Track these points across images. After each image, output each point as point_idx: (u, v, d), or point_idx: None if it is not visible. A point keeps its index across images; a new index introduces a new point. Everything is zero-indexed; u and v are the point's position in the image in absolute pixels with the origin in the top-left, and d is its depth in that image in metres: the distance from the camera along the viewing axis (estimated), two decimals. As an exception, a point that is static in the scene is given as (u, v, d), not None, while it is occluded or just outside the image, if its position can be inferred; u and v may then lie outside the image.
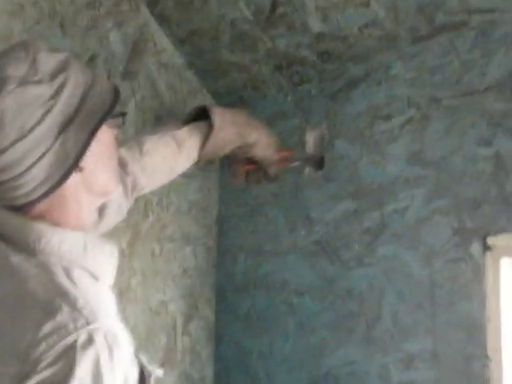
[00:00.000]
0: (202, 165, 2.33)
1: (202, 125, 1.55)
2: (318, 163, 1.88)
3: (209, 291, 2.28)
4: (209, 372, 2.26)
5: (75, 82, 0.98)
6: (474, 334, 1.42)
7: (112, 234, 2.09)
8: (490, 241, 1.41)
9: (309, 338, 1.87)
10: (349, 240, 1.77)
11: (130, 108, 2.17)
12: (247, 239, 2.15)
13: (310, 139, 1.88)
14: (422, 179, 1.58)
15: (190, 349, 2.23)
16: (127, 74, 2.16)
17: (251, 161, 1.73)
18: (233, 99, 2.24)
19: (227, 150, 1.59)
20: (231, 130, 1.55)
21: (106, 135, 1.05)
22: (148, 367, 1.11)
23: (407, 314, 1.59)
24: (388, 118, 1.68)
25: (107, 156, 1.08)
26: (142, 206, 2.18)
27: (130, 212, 2.14)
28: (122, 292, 2.09)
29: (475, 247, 1.44)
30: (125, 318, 2.07)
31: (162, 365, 2.16)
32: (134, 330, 2.10)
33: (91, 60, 2.04)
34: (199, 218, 2.29)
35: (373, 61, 1.73)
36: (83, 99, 0.99)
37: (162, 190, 2.22)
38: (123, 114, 1.13)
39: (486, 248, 1.42)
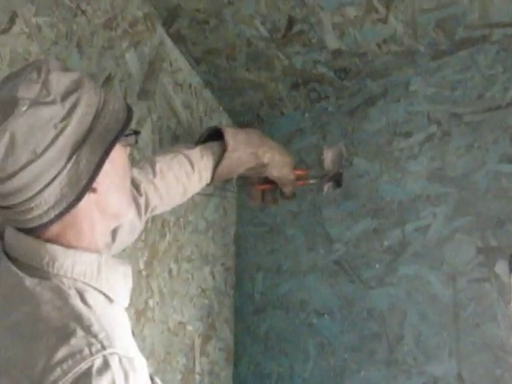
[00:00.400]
0: (220, 184, 2.32)
1: (215, 145, 1.54)
2: (337, 181, 1.85)
3: (227, 312, 2.26)
4: (229, 395, 2.22)
5: (88, 101, 0.97)
6: (502, 357, 1.37)
7: (130, 255, 2.08)
8: (516, 260, 1.37)
9: (329, 360, 1.83)
10: (369, 259, 1.73)
11: (147, 128, 2.16)
12: (265, 259, 2.12)
13: (328, 157, 1.86)
14: (444, 197, 1.54)
15: (209, 370, 2.20)
16: (143, 94, 2.16)
17: (267, 180, 1.71)
18: (249, 118, 2.22)
19: (241, 170, 1.58)
20: (245, 150, 1.54)
21: (119, 154, 1.04)
22: None
23: (430, 336, 1.54)
24: (408, 134, 1.65)
25: (120, 176, 1.07)
26: (160, 225, 2.16)
27: (148, 232, 2.14)
28: (140, 312, 2.07)
29: (500, 266, 1.40)
30: (142, 338, 2.06)
31: (181, 387, 2.13)
32: (152, 351, 2.09)
33: (108, 80, 2.05)
34: (217, 237, 2.27)
35: (391, 77, 1.70)
36: (96, 118, 0.98)
37: (180, 209, 2.21)
38: (137, 133, 1.11)
39: (512, 267, 1.38)
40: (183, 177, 1.51)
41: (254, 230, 2.19)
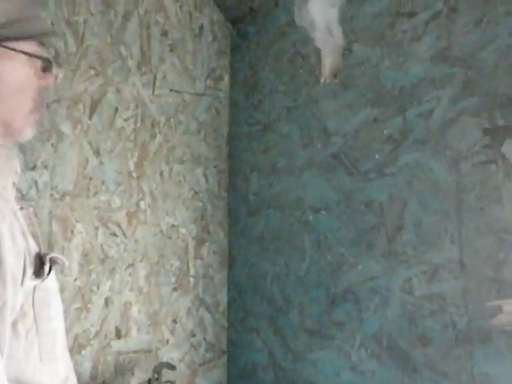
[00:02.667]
0: (211, 83, 2.22)
1: None
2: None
3: (221, 214, 2.21)
4: (223, 296, 2.20)
5: None
6: (506, 240, 1.33)
7: (119, 155, 2.01)
8: (525, 138, 1.30)
9: (326, 256, 1.79)
10: (368, 150, 1.66)
11: (133, 22, 2.05)
12: (259, 158, 2.05)
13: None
14: (449, 78, 1.45)
15: (203, 273, 2.17)
16: (129, -15, 2.03)
17: None
18: (242, 11, 2.10)
19: None
20: None
21: (22, 66, 1.03)
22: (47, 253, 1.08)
23: (431, 224, 1.49)
24: (411, 14, 1.55)
25: (7, 87, 1.04)
26: (149, 125, 2.08)
27: (137, 132, 2.06)
28: (131, 214, 2.02)
29: (508, 146, 1.33)
30: (135, 240, 2.01)
31: (175, 289, 2.10)
32: (145, 254, 2.04)
33: (90, -33, 1.91)
34: (209, 138, 2.20)
35: (394, -47, 1.58)
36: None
37: (169, 109, 2.12)
38: (49, 61, 1.09)
39: (520, 146, 1.31)
40: None
41: (247, 129, 2.11)
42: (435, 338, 1.47)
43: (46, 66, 1.09)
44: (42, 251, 1.10)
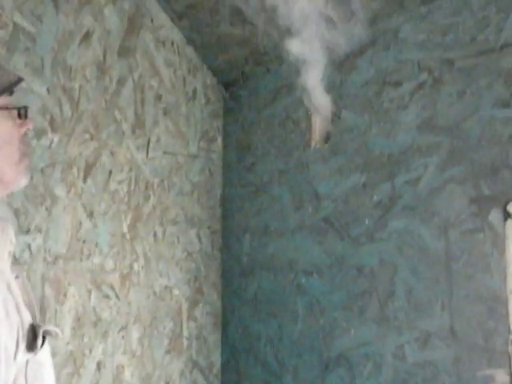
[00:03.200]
0: (205, 144, 2.26)
1: None
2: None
3: (214, 275, 2.21)
4: (216, 358, 2.18)
5: None
6: (495, 308, 1.33)
7: (113, 218, 2.02)
8: (511, 208, 1.31)
9: (319, 320, 1.78)
10: (358, 215, 1.68)
11: (128, 87, 2.09)
12: (252, 220, 2.07)
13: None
14: (435, 147, 1.48)
15: (197, 335, 2.15)
16: (124, 51, 2.08)
17: None
18: (234, 75, 2.15)
19: None
20: None
21: (0, 121, 1.05)
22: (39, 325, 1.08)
23: (422, 290, 1.50)
24: (397, 84, 1.59)
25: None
26: (143, 187, 2.10)
27: (131, 194, 2.07)
28: (125, 276, 2.02)
29: (494, 215, 1.35)
30: (128, 303, 2.00)
31: (168, 352, 2.09)
32: (138, 316, 2.03)
33: (86, 37, 1.97)
34: (203, 199, 2.22)
35: (380, 25, 1.63)
36: None
37: (163, 171, 2.15)
38: (24, 108, 1.10)
39: (507, 215, 1.32)
40: None
41: (240, 191, 2.13)
42: (428, 407, 1.46)
43: (22, 113, 1.10)
44: (36, 322, 1.10)
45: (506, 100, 1.34)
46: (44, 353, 1.13)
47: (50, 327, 1.11)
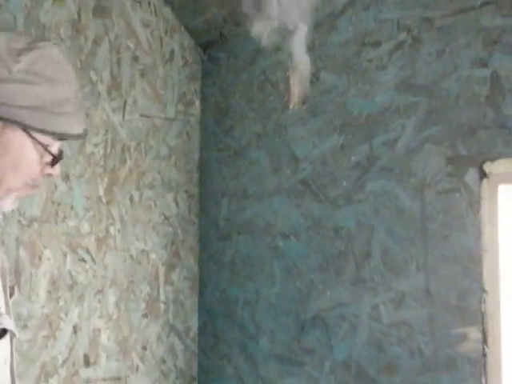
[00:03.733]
0: (182, 107, 2.23)
1: None
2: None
3: (191, 239, 2.20)
4: (193, 322, 2.19)
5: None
6: (470, 267, 1.34)
7: (88, 181, 2.00)
8: (487, 168, 1.31)
9: (295, 282, 1.79)
10: (336, 177, 1.67)
11: (104, 47, 2.05)
12: (230, 184, 2.06)
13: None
14: (413, 107, 1.47)
15: (174, 299, 2.15)
16: (99, 11, 2.03)
17: None
18: (212, 36, 2.12)
19: None
20: None
21: (30, 150, 0.98)
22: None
23: (398, 251, 1.50)
24: (377, 44, 1.57)
25: (13, 164, 0.99)
26: (119, 150, 2.07)
27: (107, 157, 2.05)
28: (101, 240, 2.01)
29: (470, 175, 1.34)
30: (104, 266, 1.99)
31: (145, 315, 2.09)
32: (114, 280, 2.02)
33: (59, -6, 1.91)
34: (180, 163, 2.20)
35: (360, -16, 1.61)
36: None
37: (140, 134, 2.12)
38: (57, 158, 1.02)
39: (483, 175, 1.32)
40: None
41: (218, 154, 2.11)
42: (402, 366, 1.47)
43: (55, 162, 1.02)
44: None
45: (485, 59, 1.33)
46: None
47: (9, 326, 1.05)
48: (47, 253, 1.92)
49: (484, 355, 1.31)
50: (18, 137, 0.97)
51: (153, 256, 2.11)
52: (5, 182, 1.00)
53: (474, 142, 1.34)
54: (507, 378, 1.30)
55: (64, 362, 1.93)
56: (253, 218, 1.95)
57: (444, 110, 1.41)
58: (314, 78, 1.73)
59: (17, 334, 1.07)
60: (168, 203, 2.16)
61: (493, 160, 1.30)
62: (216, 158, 2.06)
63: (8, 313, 1.07)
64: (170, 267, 2.15)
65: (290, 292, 1.80)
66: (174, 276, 2.15)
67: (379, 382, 1.52)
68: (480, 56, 1.34)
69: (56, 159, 1.01)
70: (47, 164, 1.01)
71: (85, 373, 1.96)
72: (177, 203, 2.18)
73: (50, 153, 0.99)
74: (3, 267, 1.09)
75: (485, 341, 1.31)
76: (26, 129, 0.96)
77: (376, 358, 1.54)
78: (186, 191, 2.20)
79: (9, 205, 1.04)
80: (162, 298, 2.12)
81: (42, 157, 1.00)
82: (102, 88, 2.03)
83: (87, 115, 1.98)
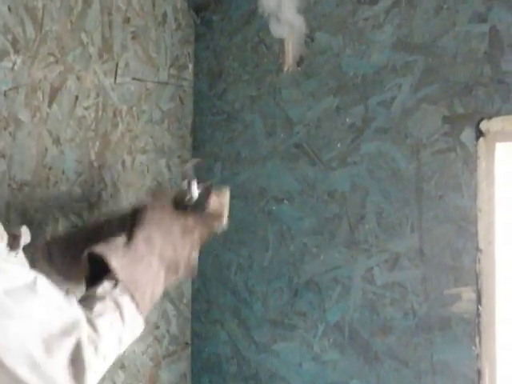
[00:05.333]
0: (175, 71, 2.19)
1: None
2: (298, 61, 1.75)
3: (184, 205, 2.17)
4: (187, 288, 2.17)
5: None
6: (465, 227, 1.33)
7: (79, 145, 1.97)
8: (484, 126, 1.29)
9: (289, 247, 1.77)
10: (331, 139, 1.65)
11: (94, 8, 2.00)
12: (224, 148, 2.03)
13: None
14: (410, 66, 1.45)
15: (167, 265, 2.13)
16: (89, -30, 1.98)
17: None
18: (206, -2, 2.07)
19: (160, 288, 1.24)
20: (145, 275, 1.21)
21: None
22: None
23: (392, 213, 1.49)
24: (373, 2, 1.54)
25: None
26: (111, 114, 2.04)
27: (98, 121, 2.01)
28: (93, 205, 1.98)
29: (467, 134, 1.33)
30: (96, 232, 1.96)
31: (137, 281, 2.07)
32: (106, 245, 2.00)
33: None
34: (173, 128, 2.16)
35: None
36: None
37: (132, 97, 2.08)
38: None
39: (479, 134, 1.30)
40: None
41: (211, 119, 2.08)
42: (396, 327, 1.47)
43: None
44: None
45: (483, 14, 1.30)
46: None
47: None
48: (38, 218, 1.90)
49: (478, 315, 1.31)
50: None
51: (145, 222, 2.09)
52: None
53: (471, 100, 1.33)
54: (501, 337, 1.30)
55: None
56: (246, 183, 1.93)
57: (441, 68, 1.39)
58: (309, 39, 1.70)
59: None
60: (161, 168, 2.13)
61: (490, 118, 1.29)
62: (209, 122, 2.03)
63: None
64: (163, 233, 2.13)
65: (284, 256, 1.79)
66: (167, 242, 2.14)
67: (372, 344, 1.52)
68: (478, 11, 1.32)
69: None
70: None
71: (77, 338, 1.95)
72: (169, 168, 2.15)
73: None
74: None
75: (479, 300, 1.31)
76: None
77: (369, 320, 1.53)
78: (178, 156, 2.17)
79: None
80: (155, 263, 2.10)
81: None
82: (93, 50, 1.99)
83: (78, 78, 1.94)
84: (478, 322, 1.31)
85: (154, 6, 2.12)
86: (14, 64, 1.81)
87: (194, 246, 1.32)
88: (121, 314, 1.11)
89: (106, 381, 1.97)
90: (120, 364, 2.01)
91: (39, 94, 1.87)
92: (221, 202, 1.39)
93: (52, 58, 1.89)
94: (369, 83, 1.55)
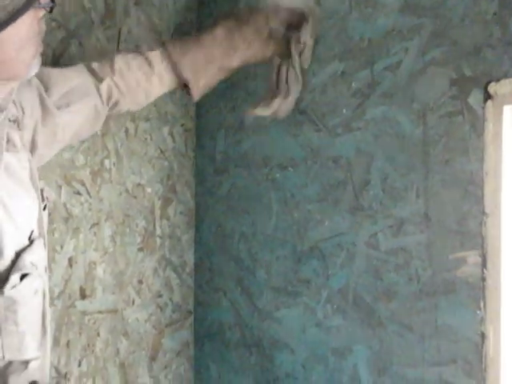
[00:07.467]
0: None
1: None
2: None
3: (188, 173, 2.17)
4: (190, 257, 2.18)
5: None
6: (471, 191, 1.32)
7: (82, 112, 1.95)
8: (492, 88, 1.27)
9: (293, 214, 1.77)
10: (336, 105, 1.63)
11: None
12: (227, 116, 2.02)
13: None
14: (417, 29, 1.43)
15: (170, 233, 2.13)
16: None
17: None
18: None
19: (218, 62, 1.62)
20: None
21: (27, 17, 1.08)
22: None
23: (398, 178, 1.48)
24: (381, -37, 1.51)
25: (24, 36, 1.11)
26: (114, 81, 2.02)
27: (101, 88, 1.99)
28: (95, 173, 1.98)
29: (474, 97, 1.31)
30: (99, 200, 1.96)
31: (141, 249, 2.07)
32: (109, 213, 2.00)
33: None
34: (176, 96, 2.14)
35: None
36: None
37: (135, 65, 2.06)
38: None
39: (487, 96, 1.29)
40: (143, 80, 1.51)
41: (214, 86, 2.06)
42: (400, 292, 1.47)
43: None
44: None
45: (493, -26, 1.28)
46: (22, 291, 1.11)
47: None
48: (41, 185, 1.89)
49: (483, 279, 1.31)
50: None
51: (148, 190, 2.08)
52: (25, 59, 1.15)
53: (479, 62, 1.31)
54: (506, 301, 1.30)
55: (60, 294, 1.92)
56: (249, 151, 1.92)
57: (449, 30, 1.37)
58: (315, 3, 1.67)
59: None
60: (164, 137, 2.12)
61: (498, 80, 1.27)
62: (213, 89, 2.00)
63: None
64: (166, 201, 2.12)
65: (287, 223, 1.79)
66: (170, 210, 2.13)
67: (376, 309, 1.52)
68: (489, -29, 1.29)
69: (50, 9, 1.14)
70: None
71: (81, 305, 1.96)
72: (173, 137, 2.14)
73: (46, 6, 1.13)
74: None
75: (484, 264, 1.30)
76: None
77: (373, 286, 1.53)
78: (182, 125, 2.16)
79: (37, 65, 1.23)
80: (158, 232, 2.11)
81: (36, 16, 1.12)
82: (95, 16, 1.97)
83: (80, 44, 1.92)
84: (483, 286, 1.30)
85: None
86: (16, 29, 1.79)
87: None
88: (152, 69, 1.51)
89: (109, 347, 1.99)
90: (123, 331, 2.02)
91: (42, 59, 1.85)
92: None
93: (54, 24, 1.87)
94: (375, 47, 1.53)
